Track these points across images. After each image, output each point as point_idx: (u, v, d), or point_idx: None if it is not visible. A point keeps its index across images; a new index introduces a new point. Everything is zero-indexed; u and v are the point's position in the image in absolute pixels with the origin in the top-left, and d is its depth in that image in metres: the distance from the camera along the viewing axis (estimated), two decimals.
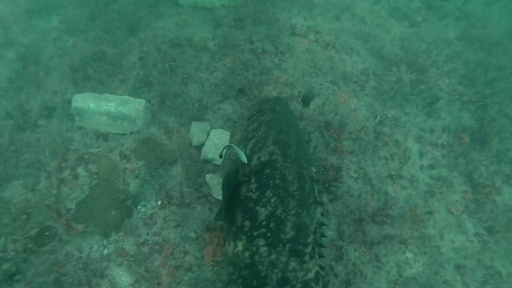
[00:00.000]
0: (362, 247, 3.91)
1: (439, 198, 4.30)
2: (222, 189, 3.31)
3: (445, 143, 4.74)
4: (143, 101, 4.51)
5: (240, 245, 2.91)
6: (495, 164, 4.68)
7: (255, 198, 2.98)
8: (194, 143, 4.47)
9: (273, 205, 2.89)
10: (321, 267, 2.86)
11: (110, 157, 4.09)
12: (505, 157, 4.73)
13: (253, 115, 3.72)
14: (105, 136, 4.38)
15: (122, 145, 4.21)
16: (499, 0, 6.42)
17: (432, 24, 6.06)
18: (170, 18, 5.42)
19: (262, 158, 3.15)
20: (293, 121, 3.68)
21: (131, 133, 4.36)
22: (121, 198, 3.85)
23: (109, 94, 4.57)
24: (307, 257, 2.76)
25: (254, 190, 3.03)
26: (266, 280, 2.72)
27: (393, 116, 4.84)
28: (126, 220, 3.78)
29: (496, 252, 4.00)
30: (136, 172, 4.01)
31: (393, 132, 4.74)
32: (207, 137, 4.55)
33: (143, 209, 3.96)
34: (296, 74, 4.97)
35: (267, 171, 3.07)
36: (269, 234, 2.80)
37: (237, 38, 5.18)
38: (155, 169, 4.14)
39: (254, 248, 2.82)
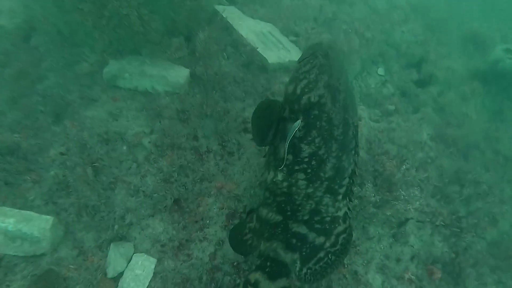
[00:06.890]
0: None
1: None
2: (255, 116, 3.40)
3: (413, 277, 4.01)
4: (50, 219, 3.71)
5: (280, 175, 3.18)
6: None
7: (300, 135, 3.16)
8: (110, 274, 3.66)
9: (317, 145, 3.13)
10: (349, 209, 3.24)
11: None
12: None
13: (306, 57, 3.67)
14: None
15: (8, 286, 3.34)
16: (476, 96, 5.89)
17: (404, 119, 5.45)
18: (103, 106, 4.65)
19: (312, 99, 3.24)
20: (344, 70, 3.80)
21: (32, 256, 3.54)
22: None
23: (8, 208, 3.75)
24: (340, 197, 3.18)
25: (300, 128, 3.18)
26: (300, 208, 3.14)
27: (354, 241, 4.10)
28: None
29: None
30: None
31: (353, 261, 4.00)
32: (127, 265, 3.75)
33: None
34: (243, 183, 4.23)
35: (315, 112, 3.21)
36: (309, 170, 3.11)
37: (178, 134, 4.44)
38: None
39: (293, 180, 3.14)
